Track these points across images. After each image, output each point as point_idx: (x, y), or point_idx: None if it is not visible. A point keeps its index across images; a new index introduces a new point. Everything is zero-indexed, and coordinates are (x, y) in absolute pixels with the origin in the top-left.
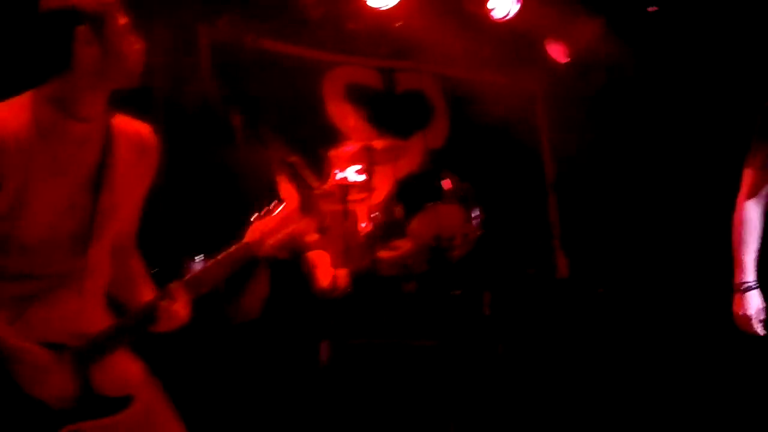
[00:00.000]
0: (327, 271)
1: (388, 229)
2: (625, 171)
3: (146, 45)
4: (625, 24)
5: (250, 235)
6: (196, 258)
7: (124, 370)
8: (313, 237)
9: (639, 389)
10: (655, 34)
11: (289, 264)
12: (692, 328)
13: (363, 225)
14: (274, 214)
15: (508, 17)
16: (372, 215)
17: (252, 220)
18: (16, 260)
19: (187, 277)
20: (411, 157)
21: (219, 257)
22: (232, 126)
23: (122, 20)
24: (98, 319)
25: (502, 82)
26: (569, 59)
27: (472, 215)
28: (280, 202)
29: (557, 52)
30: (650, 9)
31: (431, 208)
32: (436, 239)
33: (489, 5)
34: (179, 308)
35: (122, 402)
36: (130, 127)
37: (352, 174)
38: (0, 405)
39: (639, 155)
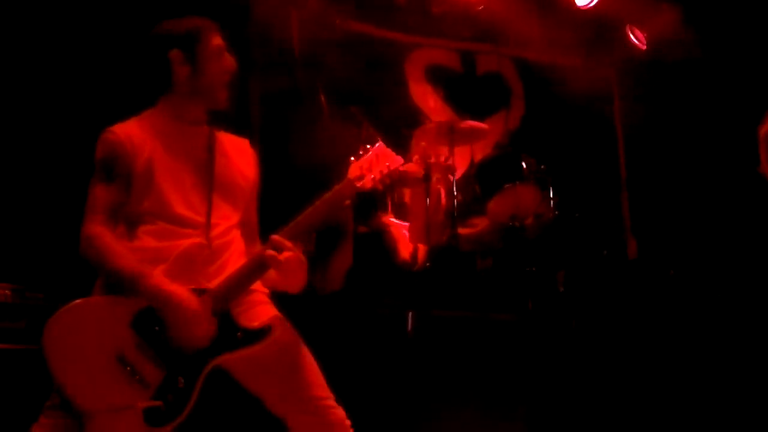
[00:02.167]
0: (407, 245)
1: (467, 207)
2: (697, 153)
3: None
4: (706, 11)
5: (352, 172)
6: None
7: (262, 309)
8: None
9: (706, 366)
10: (737, 24)
11: (373, 237)
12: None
13: (443, 202)
14: (369, 152)
15: (591, 4)
16: (453, 193)
17: (351, 160)
18: (162, 226)
19: (289, 224)
20: (489, 138)
21: (326, 195)
22: (321, 104)
23: (215, 41)
24: (228, 267)
25: (579, 67)
26: (647, 47)
27: (548, 197)
28: (373, 144)
29: (636, 39)
30: None
31: (509, 188)
32: (512, 218)
33: None
34: (287, 252)
35: (263, 332)
36: (230, 136)
37: (434, 153)
38: (156, 344)
39: (710, 138)
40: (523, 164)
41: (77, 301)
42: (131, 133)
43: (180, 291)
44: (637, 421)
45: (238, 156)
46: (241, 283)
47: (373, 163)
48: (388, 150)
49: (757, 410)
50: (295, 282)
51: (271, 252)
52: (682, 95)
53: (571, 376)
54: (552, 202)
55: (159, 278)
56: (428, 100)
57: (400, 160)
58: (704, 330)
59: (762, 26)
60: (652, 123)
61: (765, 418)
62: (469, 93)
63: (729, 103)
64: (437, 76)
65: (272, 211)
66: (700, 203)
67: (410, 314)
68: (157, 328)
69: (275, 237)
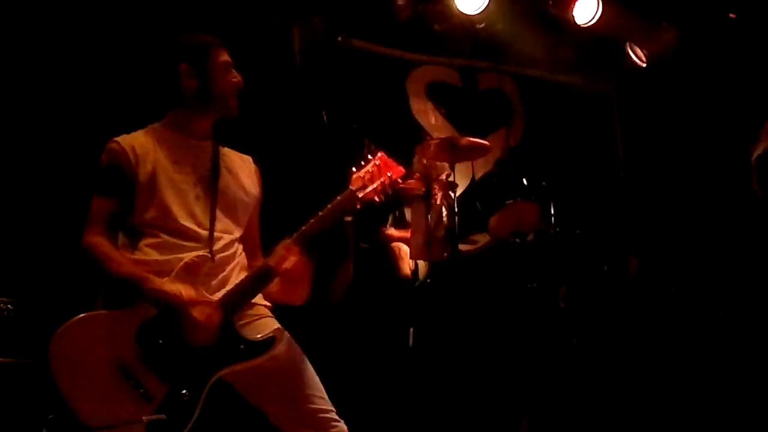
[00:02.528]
0: (408, 261)
1: (468, 224)
2: (698, 171)
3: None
4: (704, 31)
5: (354, 182)
6: None
7: (264, 323)
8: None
9: (706, 382)
10: (734, 42)
11: (374, 253)
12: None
13: (445, 219)
14: (371, 163)
15: (591, 23)
16: (454, 210)
17: (353, 170)
18: (165, 239)
19: (297, 233)
20: (491, 155)
21: (329, 205)
22: (322, 121)
23: (222, 57)
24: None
25: (579, 84)
26: (647, 64)
27: (549, 213)
28: (374, 155)
29: (636, 57)
30: (731, 16)
31: (511, 205)
32: (513, 235)
33: (574, 11)
34: (291, 262)
35: (266, 344)
36: (234, 152)
37: (435, 170)
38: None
39: (711, 156)
40: (524, 181)
41: (82, 315)
42: (136, 144)
43: (180, 289)
44: None
45: (242, 171)
46: (245, 293)
47: (374, 173)
48: (390, 160)
49: (755, 425)
50: (300, 292)
51: (277, 258)
52: (682, 113)
53: (572, 392)
54: (553, 218)
55: (159, 281)
56: (429, 117)
57: (402, 170)
58: (705, 346)
59: (760, 44)
60: (652, 139)
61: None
62: (470, 110)
63: (730, 121)
64: (438, 93)
65: (273, 225)
66: (701, 220)
67: (411, 330)
68: (161, 341)
69: (282, 243)
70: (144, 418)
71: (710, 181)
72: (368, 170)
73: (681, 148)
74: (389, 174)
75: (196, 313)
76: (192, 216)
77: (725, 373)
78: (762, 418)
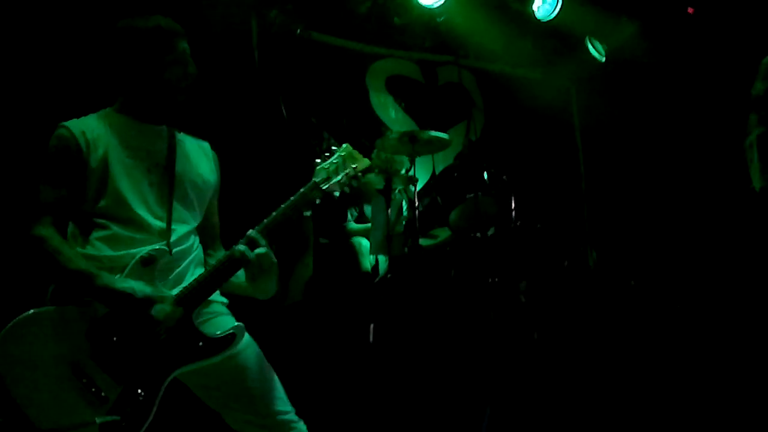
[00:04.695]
0: (368, 256)
1: (427, 218)
2: (657, 165)
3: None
4: (663, 25)
5: (317, 174)
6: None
7: (222, 321)
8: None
9: (663, 373)
10: (693, 36)
11: (334, 248)
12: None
13: (404, 213)
14: (335, 155)
15: (551, 17)
16: (414, 204)
17: (317, 162)
18: (117, 231)
19: (261, 225)
20: (451, 149)
21: (293, 197)
22: (281, 114)
23: (180, 45)
24: (187, 277)
25: (539, 78)
26: (606, 59)
27: (509, 207)
28: (339, 147)
29: (595, 51)
30: (690, 10)
31: (471, 199)
32: (473, 229)
33: (534, 5)
34: (256, 255)
35: (226, 341)
36: (191, 138)
37: (395, 164)
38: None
39: (670, 149)
40: (485, 175)
41: (30, 311)
42: (86, 129)
43: (131, 283)
44: (599, 429)
45: (199, 158)
46: (206, 286)
47: (339, 165)
48: (355, 152)
49: (713, 415)
50: (266, 285)
51: (243, 248)
52: (641, 108)
53: (534, 386)
54: (513, 212)
55: (110, 279)
56: (389, 111)
57: (367, 162)
58: (663, 339)
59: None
60: (611, 134)
61: (720, 420)
62: (431, 104)
63: (689, 114)
64: (398, 87)
65: (232, 216)
66: (660, 214)
67: (372, 325)
68: (115, 338)
69: (251, 233)
70: (97, 419)
71: (669, 174)
72: (333, 161)
73: (640, 143)
74: (354, 166)
75: (154, 311)
76: (146, 204)
77: (684, 364)
78: (717, 408)
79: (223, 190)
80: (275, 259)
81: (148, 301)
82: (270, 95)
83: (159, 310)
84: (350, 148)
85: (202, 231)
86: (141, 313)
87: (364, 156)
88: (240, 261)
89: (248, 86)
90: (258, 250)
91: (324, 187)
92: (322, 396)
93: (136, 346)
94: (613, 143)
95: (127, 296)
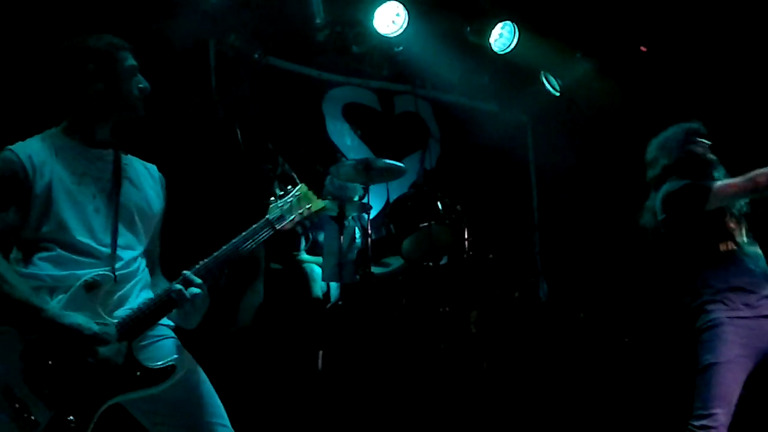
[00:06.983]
0: (320, 282)
1: (380, 246)
2: (608, 202)
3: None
4: (617, 63)
5: (271, 212)
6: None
7: (166, 344)
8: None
9: (613, 404)
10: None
11: (285, 274)
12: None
13: (357, 241)
14: (290, 195)
15: (508, 51)
16: (367, 232)
17: (270, 200)
18: (62, 253)
19: (203, 260)
20: (405, 178)
21: (243, 234)
22: (236, 139)
23: (128, 61)
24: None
25: (494, 111)
26: (561, 94)
27: (463, 237)
28: (295, 185)
29: (550, 86)
30: (642, 49)
31: (424, 228)
32: (426, 258)
33: (491, 38)
34: (193, 294)
35: (165, 373)
36: (139, 160)
37: (349, 191)
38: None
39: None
40: (439, 204)
41: None
42: (32, 152)
43: (78, 318)
44: None
45: (146, 181)
46: (147, 318)
47: (293, 205)
48: (310, 192)
49: None
50: (194, 319)
51: (179, 287)
52: (594, 142)
53: (482, 416)
54: (466, 242)
55: (56, 312)
56: (345, 138)
57: (321, 203)
58: (611, 371)
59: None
60: (565, 167)
61: None
62: (387, 132)
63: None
64: (355, 114)
65: (180, 243)
66: (611, 248)
67: (321, 352)
68: (50, 362)
69: (187, 273)
70: None
71: (620, 209)
72: (287, 200)
73: (592, 177)
74: (308, 206)
75: (100, 349)
76: (90, 231)
77: (631, 396)
78: None
79: (174, 214)
80: (209, 298)
81: (95, 339)
82: (226, 119)
83: (106, 349)
84: (305, 188)
85: (145, 257)
86: (86, 350)
87: (319, 182)
88: (175, 301)
89: (204, 109)
90: (191, 290)
91: (277, 226)
92: (269, 423)
93: (71, 371)
94: (566, 178)
95: (74, 332)
